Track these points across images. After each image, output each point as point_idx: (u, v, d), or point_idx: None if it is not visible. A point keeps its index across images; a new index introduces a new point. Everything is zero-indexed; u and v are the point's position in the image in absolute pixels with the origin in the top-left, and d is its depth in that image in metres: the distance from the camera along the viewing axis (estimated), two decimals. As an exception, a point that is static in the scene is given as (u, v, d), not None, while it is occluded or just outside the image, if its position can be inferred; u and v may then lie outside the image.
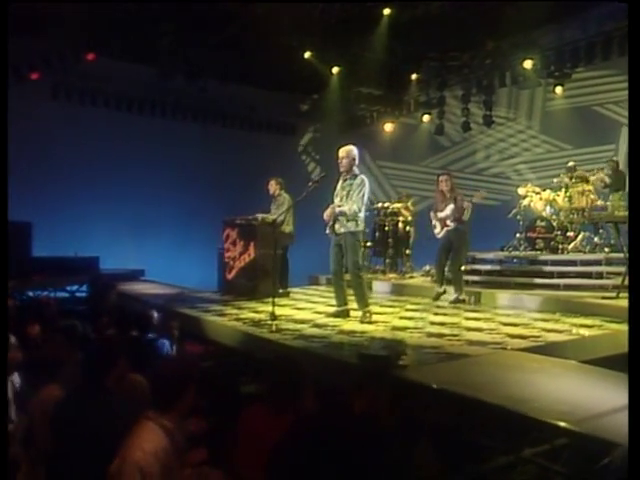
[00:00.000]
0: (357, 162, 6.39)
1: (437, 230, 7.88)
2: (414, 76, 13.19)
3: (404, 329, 5.78)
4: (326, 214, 6.31)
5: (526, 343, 5.11)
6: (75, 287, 10.51)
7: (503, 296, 7.69)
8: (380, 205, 10.43)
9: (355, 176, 6.32)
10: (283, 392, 3.13)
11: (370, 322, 6.15)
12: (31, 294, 9.15)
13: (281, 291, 8.38)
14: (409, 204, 10.20)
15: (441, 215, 7.79)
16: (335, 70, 12.35)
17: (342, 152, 6.34)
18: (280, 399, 3.12)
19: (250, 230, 8.31)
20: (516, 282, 8.26)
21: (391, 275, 10.25)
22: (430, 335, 5.43)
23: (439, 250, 7.90)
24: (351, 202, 6.25)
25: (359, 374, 3.66)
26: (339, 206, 6.34)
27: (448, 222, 7.71)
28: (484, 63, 13.23)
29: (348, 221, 6.27)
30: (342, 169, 6.36)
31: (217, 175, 14.68)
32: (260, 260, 8.15)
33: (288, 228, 8.52)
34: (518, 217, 9.81)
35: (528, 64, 11.95)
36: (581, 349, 5.10)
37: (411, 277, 10.06)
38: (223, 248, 8.90)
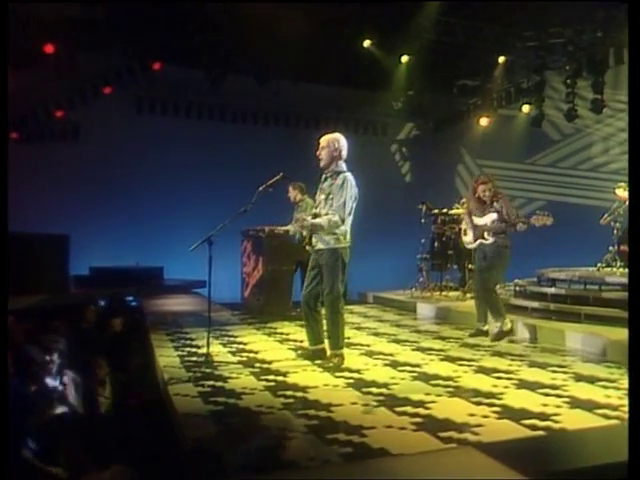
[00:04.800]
0: (344, 156, 4.75)
1: (468, 239, 5.95)
2: (502, 59, 10.87)
3: (369, 385, 4.07)
4: (296, 227, 4.75)
5: (515, 429, 3.18)
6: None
7: (558, 333, 5.53)
8: (437, 211, 8.47)
9: (337, 174, 4.70)
10: None
11: (338, 369, 4.51)
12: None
13: (294, 313, 6.95)
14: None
15: (478, 222, 5.83)
16: (404, 59, 10.47)
17: (323, 141, 4.73)
18: None
19: (258, 243, 7.00)
20: (587, 313, 5.97)
21: (451, 294, 8.29)
22: (390, 402, 3.68)
23: (476, 274, 5.99)
24: (331, 211, 4.64)
25: None
26: (316, 215, 4.76)
27: (486, 235, 5.75)
28: (595, 37, 10.55)
29: (327, 234, 4.68)
30: (321, 163, 4.76)
31: (305, 180, 13.56)
32: (268, 277, 6.80)
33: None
34: (612, 224, 7.35)
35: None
36: (601, 445, 3.07)
37: (473, 297, 7.98)
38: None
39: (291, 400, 3.72)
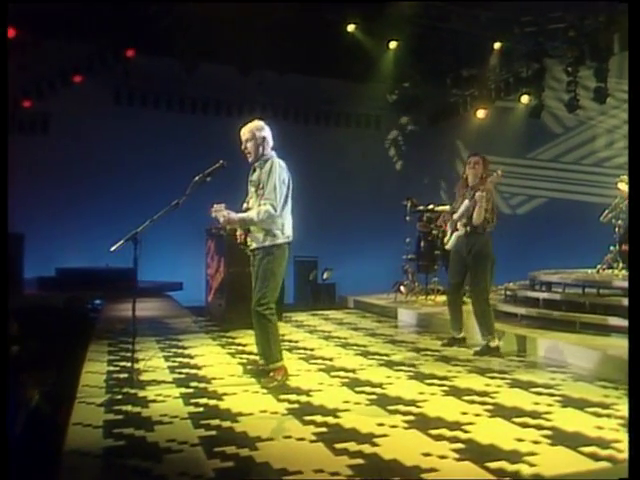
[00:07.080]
0: (270, 143, 4.13)
1: (446, 239, 5.32)
2: (498, 45, 10.19)
3: (314, 412, 3.44)
4: (222, 222, 4.10)
5: (477, 475, 2.54)
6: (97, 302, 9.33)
7: (548, 345, 4.87)
8: (422, 207, 7.80)
9: (265, 162, 4.07)
10: None
11: (283, 389, 3.87)
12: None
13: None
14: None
15: (455, 216, 5.20)
16: (392, 45, 9.79)
17: (245, 132, 4.12)
18: None
19: (220, 243, 6.37)
20: (583, 321, 5.30)
21: (438, 298, 7.63)
22: (331, 436, 3.05)
23: (449, 274, 5.35)
24: (262, 200, 4.00)
25: None
26: (248, 209, 4.13)
27: (459, 225, 5.11)
28: (598, 21, 9.88)
29: (260, 231, 4.04)
30: (250, 158, 4.14)
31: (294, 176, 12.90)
32: (229, 280, 6.17)
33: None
34: (614, 222, 6.68)
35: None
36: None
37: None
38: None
39: (213, 432, 3.09)
